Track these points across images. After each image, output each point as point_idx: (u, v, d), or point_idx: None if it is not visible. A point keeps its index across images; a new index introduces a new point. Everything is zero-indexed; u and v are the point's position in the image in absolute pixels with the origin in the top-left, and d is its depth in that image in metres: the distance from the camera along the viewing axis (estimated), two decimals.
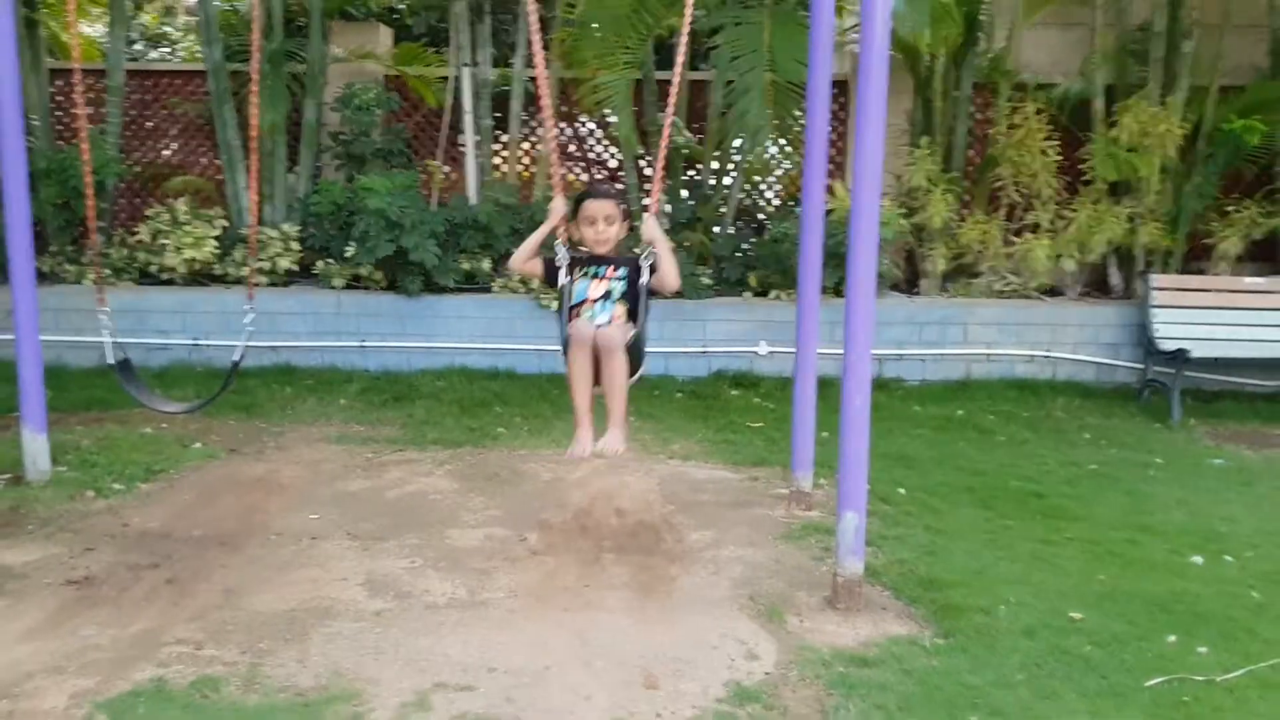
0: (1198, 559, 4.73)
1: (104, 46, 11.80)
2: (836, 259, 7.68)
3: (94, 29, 12.30)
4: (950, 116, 8.55)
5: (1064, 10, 8.99)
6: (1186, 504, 5.57)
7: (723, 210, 8.57)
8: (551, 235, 3.95)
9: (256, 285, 7.96)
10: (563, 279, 3.85)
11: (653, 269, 3.79)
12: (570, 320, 3.83)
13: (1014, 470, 6.08)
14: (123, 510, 4.93)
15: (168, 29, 13.26)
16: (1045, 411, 7.50)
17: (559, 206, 3.86)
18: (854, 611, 4.07)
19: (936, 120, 8.43)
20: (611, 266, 3.86)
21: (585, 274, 3.86)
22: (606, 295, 3.83)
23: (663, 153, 4.08)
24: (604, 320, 3.84)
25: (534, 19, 4.07)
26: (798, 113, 7.38)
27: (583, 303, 3.86)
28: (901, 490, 5.54)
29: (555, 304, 3.97)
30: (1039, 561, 4.66)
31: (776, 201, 9.16)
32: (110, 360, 5.11)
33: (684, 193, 8.66)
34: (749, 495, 5.50)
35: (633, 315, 3.87)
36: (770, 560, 4.57)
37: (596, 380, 3.79)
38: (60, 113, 8.96)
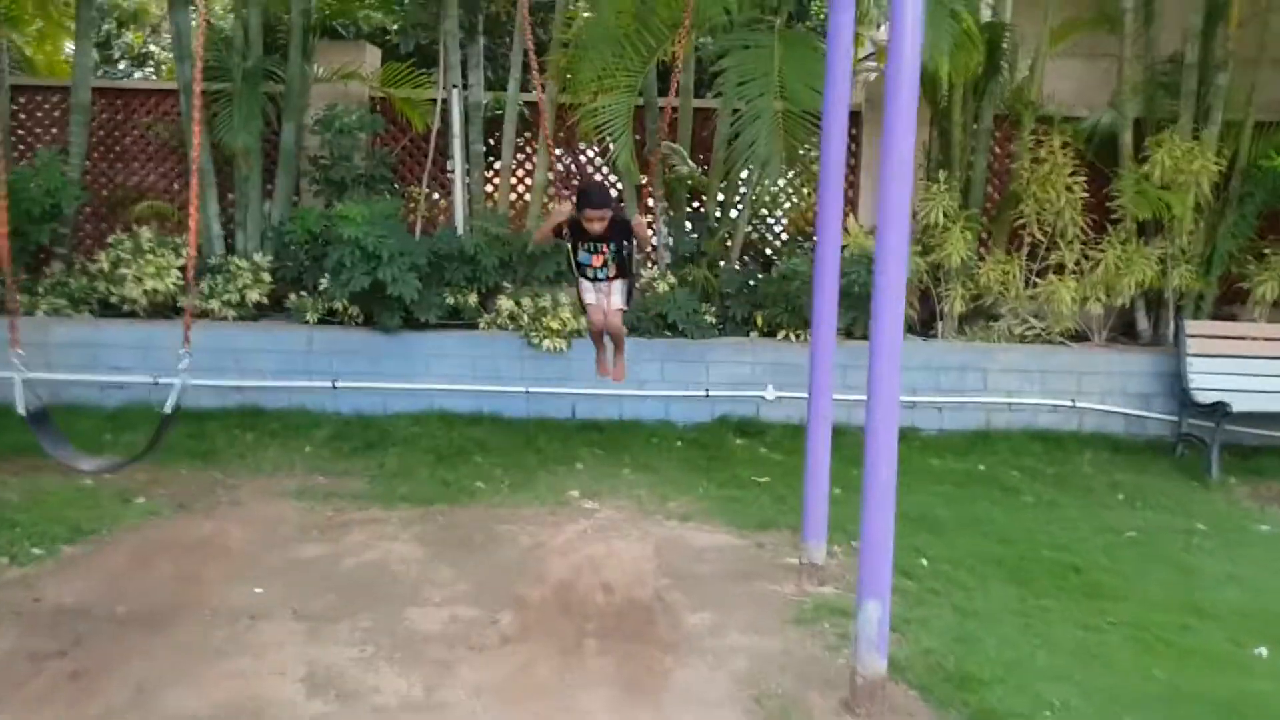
0: (1262, 650, 4.16)
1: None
2: (849, 299, 7.16)
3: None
4: (968, 149, 8.04)
5: (1089, 41, 8.51)
6: (1238, 580, 5.00)
7: (729, 245, 8.03)
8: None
9: (222, 319, 7.44)
10: (571, 253, 5.02)
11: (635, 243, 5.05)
12: (580, 279, 5.04)
13: (1045, 537, 5.50)
14: (38, 580, 4.33)
15: (153, 48, 12.80)
16: (1073, 467, 6.92)
17: (565, 210, 4.94)
18: (876, 719, 3.48)
19: (955, 153, 7.90)
20: (605, 244, 4.90)
21: (588, 248, 4.92)
22: (604, 263, 4.93)
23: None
24: (604, 278, 4.98)
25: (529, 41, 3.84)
26: (810, 143, 6.86)
27: (588, 265, 4.96)
28: (924, 561, 4.96)
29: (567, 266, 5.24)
30: (1083, 652, 4.08)
31: (785, 236, 8.61)
32: (21, 409, 4.47)
33: (688, 225, 8.13)
34: (754, 566, 4.91)
35: (623, 269, 4.98)
36: (778, 650, 3.98)
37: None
38: (22, 131, 8.44)
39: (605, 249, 4.90)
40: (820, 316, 4.71)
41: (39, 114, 8.47)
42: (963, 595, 4.61)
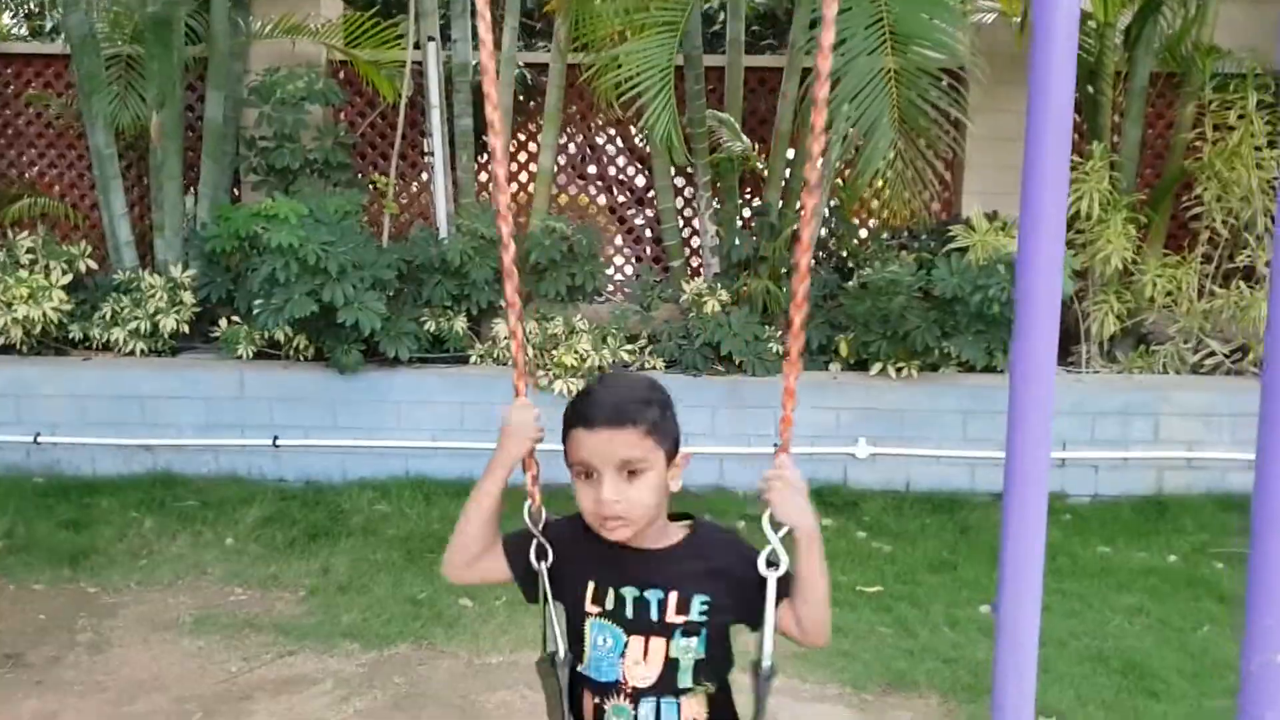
0: None
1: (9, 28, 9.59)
2: (984, 322, 5.24)
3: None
4: (1115, 115, 6.08)
5: None
6: None
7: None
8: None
9: (129, 355, 5.60)
10: (551, 609, 1.61)
11: (782, 589, 1.57)
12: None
13: None
14: None
15: None
16: None
17: (519, 424, 1.70)
18: None
19: (1103, 120, 5.94)
20: (675, 592, 1.58)
21: (609, 611, 1.61)
22: (669, 674, 1.57)
23: (806, 227, 1.64)
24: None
25: None
26: (931, 102, 4.90)
27: (610, 689, 1.59)
28: None
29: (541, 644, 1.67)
30: None
31: (868, 232, 6.65)
32: None
33: (739, 222, 6.22)
34: None
35: (723, 707, 1.63)
36: None
37: None
38: None
39: (676, 611, 1.58)
40: (1025, 336, 2.73)
41: None
42: None
